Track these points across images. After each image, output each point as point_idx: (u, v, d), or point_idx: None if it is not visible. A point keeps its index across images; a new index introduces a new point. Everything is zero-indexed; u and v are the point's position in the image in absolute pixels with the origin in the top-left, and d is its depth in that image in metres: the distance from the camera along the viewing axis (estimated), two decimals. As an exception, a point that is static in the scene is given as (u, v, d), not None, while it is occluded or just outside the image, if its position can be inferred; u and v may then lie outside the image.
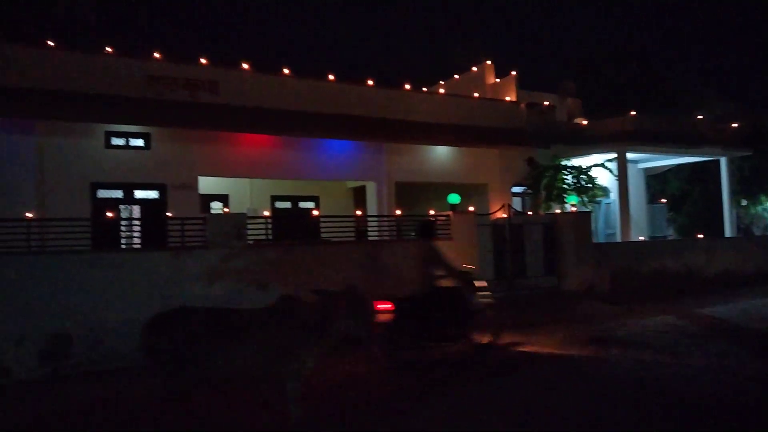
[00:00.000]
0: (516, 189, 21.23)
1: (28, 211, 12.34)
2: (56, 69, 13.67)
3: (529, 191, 21.47)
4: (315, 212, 17.23)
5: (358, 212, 17.13)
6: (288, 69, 16.89)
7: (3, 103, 12.83)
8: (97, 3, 27.48)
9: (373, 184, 18.43)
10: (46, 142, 13.73)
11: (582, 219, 16.65)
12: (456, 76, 24.92)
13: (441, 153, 19.54)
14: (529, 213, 19.69)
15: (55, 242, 11.27)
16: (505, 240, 15.82)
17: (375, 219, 16.00)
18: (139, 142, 14.74)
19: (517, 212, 17.61)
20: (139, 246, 13.16)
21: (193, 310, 6.81)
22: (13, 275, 10.37)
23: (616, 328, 12.52)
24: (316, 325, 6.65)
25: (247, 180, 17.74)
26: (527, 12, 56.99)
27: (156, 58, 14.99)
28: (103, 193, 14.42)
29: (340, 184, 19.52)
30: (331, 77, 17.52)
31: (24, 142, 13.51)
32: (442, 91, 23.18)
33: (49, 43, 13.92)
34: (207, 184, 16.26)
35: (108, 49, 14.56)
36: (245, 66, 16.15)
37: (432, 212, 15.89)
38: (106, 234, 12.94)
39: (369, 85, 18.23)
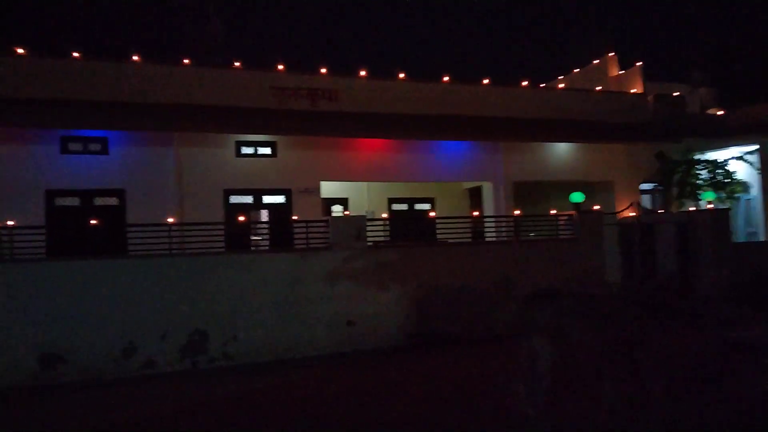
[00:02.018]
0: (645, 186, 20.00)
1: (170, 217, 13.42)
2: (191, 84, 14.79)
3: (660, 188, 20.13)
4: (431, 214, 17.27)
5: (475, 213, 16.94)
6: (402, 73, 17.10)
7: (145, 118, 14.08)
8: (225, 21, 29.38)
9: (489, 184, 18.16)
10: (183, 153, 14.88)
11: (720, 217, 15.34)
12: (576, 70, 23.97)
13: (561, 150, 18.87)
14: (660, 211, 18.47)
15: (193, 245, 12.19)
16: (634, 240, 14.95)
17: (492, 220, 15.76)
18: (267, 150, 15.57)
19: (646, 211, 16.59)
20: (267, 248, 13.87)
21: (558, 292, 8.55)
22: (157, 275, 11.34)
23: None
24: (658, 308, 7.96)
25: (364, 183, 18.15)
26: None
27: (280, 70, 15.77)
28: (234, 199, 15.39)
29: (455, 185, 19.43)
30: (445, 78, 17.51)
31: (164, 153, 14.72)
32: (561, 86, 22.39)
33: (185, 61, 15.08)
34: (328, 188, 16.84)
35: (236, 63, 15.52)
36: (362, 73, 16.54)
37: (554, 212, 15.38)
38: (238, 237, 13.77)
39: (484, 84, 18.01)
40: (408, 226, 16.66)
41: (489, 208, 18.08)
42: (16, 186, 13.46)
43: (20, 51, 13.64)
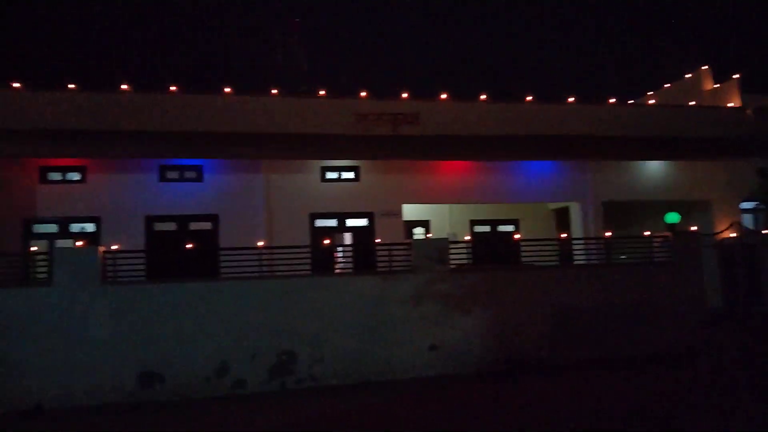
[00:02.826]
0: (746, 205, 18.76)
1: (259, 240, 13.90)
2: (278, 113, 15.38)
3: (762, 207, 18.82)
4: (516, 236, 16.94)
5: (563, 235, 16.47)
6: (484, 94, 17.03)
7: (236, 146, 14.75)
8: (309, 52, 30.40)
9: (577, 205, 17.64)
10: (271, 179, 15.46)
11: (835, 237, 14.13)
12: (666, 85, 22.99)
13: (654, 168, 18.07)
14: (765, 231, 17.23)
15: (281, 267, 12.54)
16: (736, 262, 14.00)
17: (581, 242, 15.25)
18: (350, 175, 15.91)
19: (748, 231, 15.53)
20: (351, 270, 14.08)
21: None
22: (247, 297, 11.73)
23: None
24: None
25: (446, 205, 18.11)
26: (745, 8, 50.76)
27: (362, 97, 16.11)
28: (320, 222, 15.80)
29: (540, 206, 19.00)
30: (529, 98, 17.27)
31: (254, 179, 15.36)
32: (651, 102, 21.53)
33: (273, 91, 15.72)
34: (410, 211, 16.93)
35: (321, 92, 16.02)
36: (443, 96, 16.62)
37: (647, 233, 14.69)
38: (324, 259, 14.06)
39: (569, 103, 17.60)
40: (491, 249, 16.43)
41: (577, 229, 17.54)
42: (120, 212, 14.41)
43: (124, 87, 14.69)
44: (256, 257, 12.41)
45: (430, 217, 18.28)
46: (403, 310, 12.15)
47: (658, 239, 13.74)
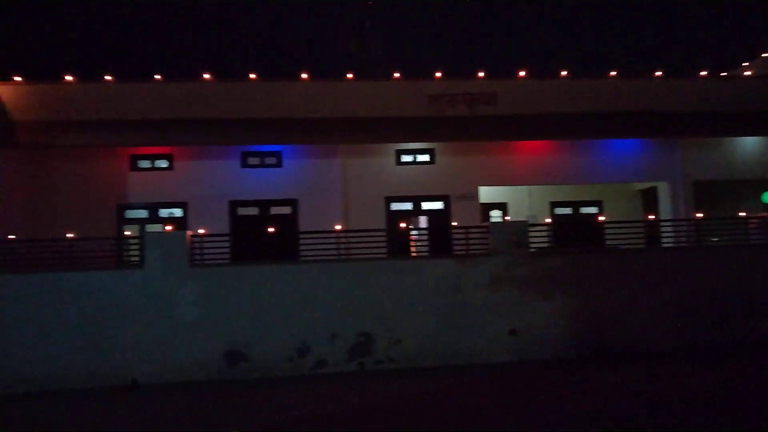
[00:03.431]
0: None
1: (337, 224, 14.10)
2: (354, 98, 15.45)
3: None
4: (600, 218, 16.32)
5: (650, 216, 15.73)
6: (564, 70, 16.40)
7: (314, 132, 14.97)
8: (382, 34, 30.36)
9: (665, 185, 16.76)
10: (348, 163, 15.61)
11: None
12: (764, 55, 21.33)
13: (749, 145, 16.88)
14: None
15: (358, 250, 12.69)
16: None
17: (670, 224, 14.50)
18: (425, 158, 15.81)
19: None
20: (427, 254, 14.04)
21: None
22: (326, 279, 11.95)
23: None
24: None
25: (525, 187, 17.67)
26: None
27: (437, 78, 15.90)
28: (395, 206, 15.82)
29: (626, 187, 18.19)
30: (612, 73, 16.49)
31: (331, 164, 15.57)
32: (747, 73, 20.05)
33: (348, 76, 15.80)
34: (487, 193, 16.64)
35: (395, 75, 15.93)
36: (521, 74, 16.14)
37: (742, 214, 13.78)
38: (399, 242, 14.09)
39: (657, 77, 16.65)
40: (573, 231, 15.91)
41: (665, 210, 16.69)
42: (205, 198, 14.99)
43: (206, 76, 15.18)
44: (333, 240, 12.61)
45: (508, 199, 17.90)
46: (481, 294, 12.01)
47: (755, 220, 12.85)
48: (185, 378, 11.34)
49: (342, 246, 12.71)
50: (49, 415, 9.41)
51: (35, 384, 11.10)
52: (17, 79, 14.53)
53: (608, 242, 13.60)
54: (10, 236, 12.54)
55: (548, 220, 15.59)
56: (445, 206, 15.92)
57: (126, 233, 14.33)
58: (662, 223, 14.56)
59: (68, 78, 14.71)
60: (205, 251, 12.29)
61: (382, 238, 13.20)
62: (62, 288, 11.40)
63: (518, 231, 12.33)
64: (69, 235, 12.21)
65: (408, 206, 15.96)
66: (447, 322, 11.94)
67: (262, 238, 13.82)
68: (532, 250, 12.50)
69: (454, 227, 13.84)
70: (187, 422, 8.67)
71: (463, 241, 12.77)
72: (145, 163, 15.12)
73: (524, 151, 16.26)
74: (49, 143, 14.24)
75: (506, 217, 17.04)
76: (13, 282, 11.39)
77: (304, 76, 15.49)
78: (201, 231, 12.64)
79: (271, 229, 13.59)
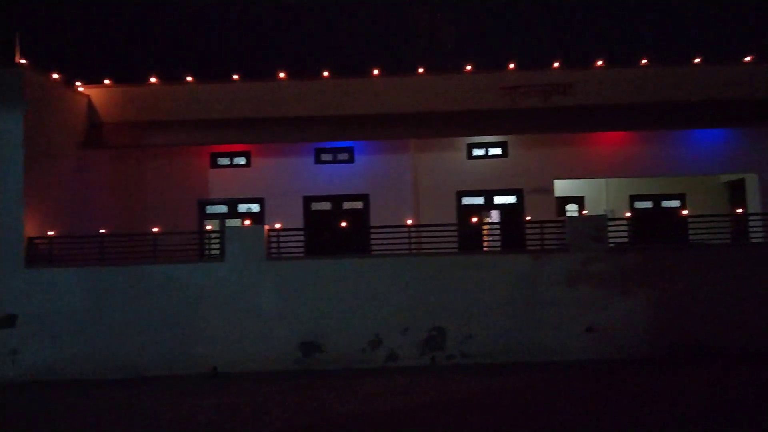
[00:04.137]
0: None
1: (407, 218, 14.15)
2: (425, 92, 15.43)
3: None
4: (683, 212, 15.60)
5: (738, 210, 14.89)
6: (645, 58, 15.73)
7: (385, 127, 15.06)
8: (456, 28, 30.09)
9: (753, 176, 15.78)
10: (419, 158, 15.61)
11: None
12: None
13: None
14: None
15: (429, 245, 12.69)
16: None
17: (759, 217, 13.66)
18: (497, 151, 15.56)
19: None
20: (499, 249, 13.86)
21: None
22: (397, 273, 12.01)
23: None
24: None
25: (603, 180, 17.09)
26: None
27: (509, 69, 15.63)
28: (466, 200, 15.68)
29: (710, 179, 17.26)
30: (696, 60, 15.67)
31: (402, 159, 15.60)
32: None
33: (419, 70, 15.77)
34: (562, 187, 16.22)
35: (467, 67, 15.77)
36: (598, 63, 15.61)
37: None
38: (471, 237, 13.98)
39: (745, 63, 15.68)
40: (654, 226, 15.27)
41: (753, 203, 15.74)
42: (281, 193, 15.38)
43: (281, 75, 15.57)
44: (404, 235, 12.68)
45: (585, 192, 17.36)
46: (557, 290, 11.77)
47: None
48: (263, 367, 11.74)
49: (413, 240, 12.76)
50: (135, 400, 9.97)
51: (125, 371, 11.79)
52: (107, 82, 15.40)
53: (692, 237, 12.98)
54: (101, 230, 13.33)
55: (627, 215, 15.06)
56: (518, 200, 15.63)
57: (207, 227, 14.92)
58: (750, 217, 13.74)
59: (152, 80, 15.46)
60: (282, 245, 12.65)
61: (454, 233, 13.15)
62: (149, 280, 12.05)
63: (596, 226, 11.99)
64: (155, 230, 12.86)
65: (480, 200, 15.78)
66: (520, 318, 11.77)
67: (334, 232, 14.07)
68: (611, 245, 12.12)
69: (528, 222, 13.60)
70: (264, 410, 8.97)
71: (538, 236, 12.54)
72: (224, 161, 15.68)
73: (602, 142, 15.73)
74: (135, 143, 15.02)
75: (583, 212, 16.55)
76: (104, 274, 12.14)
77: (375, 72, 15.61)
78: (277, 225, 13.02)
79: (343, 224, 13.80)
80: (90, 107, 15.17)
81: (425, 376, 10.81)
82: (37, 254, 12.38)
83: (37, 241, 12.43)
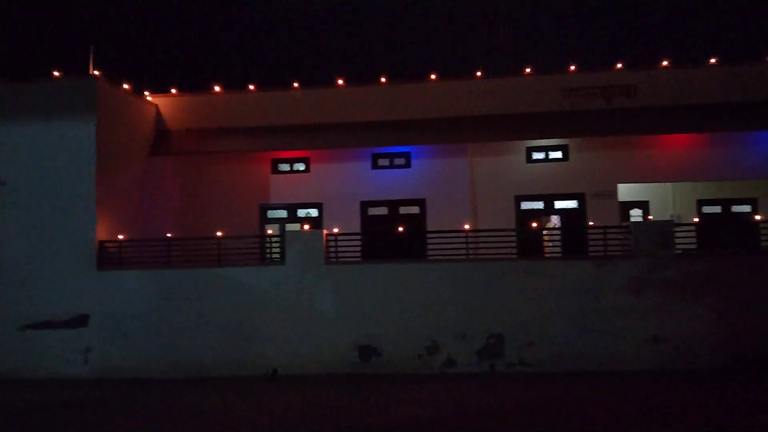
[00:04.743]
0: None
1: (465, 223, 14.03)
2: (481, 96, 15.28)
3: None
4: (756, 217, 14.87)
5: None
6: (713, 58, 15.10)
7: (442, 131, 15.01)
8: (512, 30, 29.75)
9: (834, 180, 14.92)
10: (476, 162, 15.47)
11: None
12: None
13: None
14: None
15: (487, 250, 12.55)
16: None
17: (843, 223, 12.87)
18: (558, 155, 15.26)
19: None
20: (560, 255, 13.57)
21: None
22: (454, 279, 11.95)
23: None
24: None
25: (668, 184, 16.49)
26: None
27: (570, 71, 15.30)
28: (526, 205, 15.42)
29: (786, 183, 16.39)
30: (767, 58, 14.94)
31: (459, 163, 15.50)
32: None
33: (477, 73, 15.64)
34: (625, 191, 15.75)
35: (526, 70, 15.54)
36: (663, 63, 15.10)
37: None
38: (530, 243, 13.75)
39: (826, 59, 14.83)
40: (723, 232, 14.63)
41: (837, 208, 14.86)
42: (338, 198, 15.57)
43: (339, 82, 15.77)
44: (462, 240, 12.59)
45: (650, 197, 16.79)
46: (621, 298, 11.44)
47: None
48: (321, 370, 11.88)
49: (470, 246, 12.66)
50: (202, 399, 10.24)
51: (188, 370, 12.17)
52: (173, 91, 15.98)
53: (764, 244, 12.37)
54: (168, 234, 13.82)
55: (695, 220, 14.48)
56: (579, 205, 15.27)
57: (268, 232, 15.25)
58: (834, 223, 12.96)
59: (216, 89, 15.94)
60: (340, 249, 12.78)
61: (512, 238, 12.96)
62: (212, 282, 12.41)
63: (662, 231, 11.59)
64: (218, 234, 13.24)
65: (539, 205, 15.50)
66: (582, 326, 11.49)
67: (391, 237, 14.11)
68: (678, 251, 11.68)
69: (591, 227, 13.27)
70: (321, 412, 9.06)
71: (601, 242, 12.22)
72: (284, 167, 15.99)
73: (667, 145, 15.19)
74: (200, 150, 15.51)
75: (648, 217, 16.02)
76: (171, 276, 12.58)
77: (432, 76, 15.59)
78: (335, 230, 13.16)
79: (400, 229, 13.83)
80: (158, 116, 15.78)
81: (483, 383, 10.68)
82: (108, 257, 12.95)
83: (107, 244, 13.00)
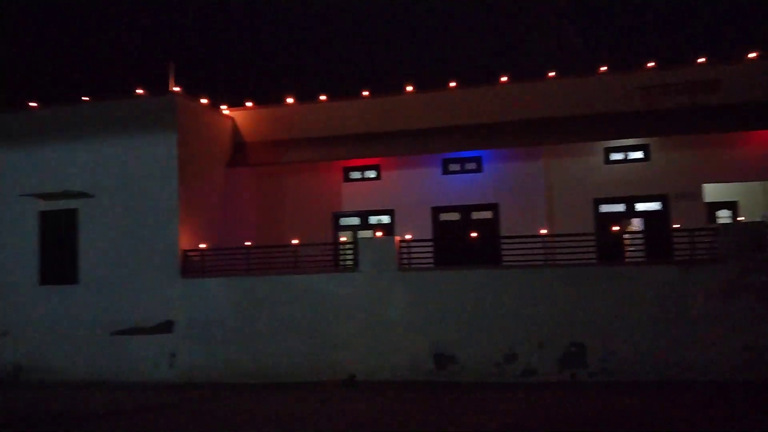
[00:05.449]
0: None
1: (539, 228, 13.70)
2: (556, 96, 14.91)
3: None
4: None
5: None
6: (807, 48, 14.13)
7: (515, 134, 14.73)
8: (582, 29, 28.93)
9: None
10: (551, 165, 15.08)
11: None
12: None
13: None
14: None
15: (564, 256, 12.19)
16: None
17: None
18: (638, 155, 14.65)
19: None
20: (642, 259, 13.01)
21: None
22: (531, 285, 11.68)
23: None
24: None
25: (759, 183, 15.51)
26: None
27: (648, 68, 14.69)
28: (604, 208, 14.87)
29: None
30: None
31: (533, 166, 15.16)
32: None
33: (550, 74, 15.26)
34: (711, 191, 14.93)
35: (601, 68, 15.03)
36: (750, 56, 14.24)
37: None
38: (611, 247, 13.26)
39: None
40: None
41: None
42: (409, 204, 15.57)
43: (409, 89, 15.78)
44: (538, 245, 12.29)
45: (739, 197, 15.83)
46: (709, 304, 10.85)
47: None
48: (397, 377, 11.87)
49: (547, 251, 12.33)
50: (283, 404, 10.45)
51: (266, 376, 12.46)
52: (249, 104, 16.49)
53: None
54: (246, 243, 14.24)
55: (791, 221, 13.54)
56: (662, 207, 14.59)
57: (341, 239, 15.43)
58: None
59: (289, 100, 16.32)
60: (412, 255, 12.76)
61: (591, 243, 12.55)
62: (289, 289, 12.68)
63: (754, 233, 10.92)
64: (294, 242, 13.51)
65: (619, 208, 14.92)
66: (668, 333, 10.97)
67: (463, 242, 13.96)
68: (772, 254, 10.96)
69: (676, 230, 12.66)
70: (398, 419, 9.03)
71: (687, 245, 11.63)
72: (356, 174, 16.16)
73: (756, 142, 14.29)
74: (275, 160, 15.90)
75: (738, 218, 15.12)
76: (249, 283, 12.94)
77: (503, 79, 15.36)
78: (408, 236, 13.16)
79: (473, 234, 13.66)
80: (234, 128, 16.32)
81: (565, 393, 10.35)
82: (191, 265, 13.47)
83: (190, 253, 13.53)
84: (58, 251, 13.99)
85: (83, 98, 14.56)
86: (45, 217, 14.17)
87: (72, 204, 13.99)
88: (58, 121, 14.41)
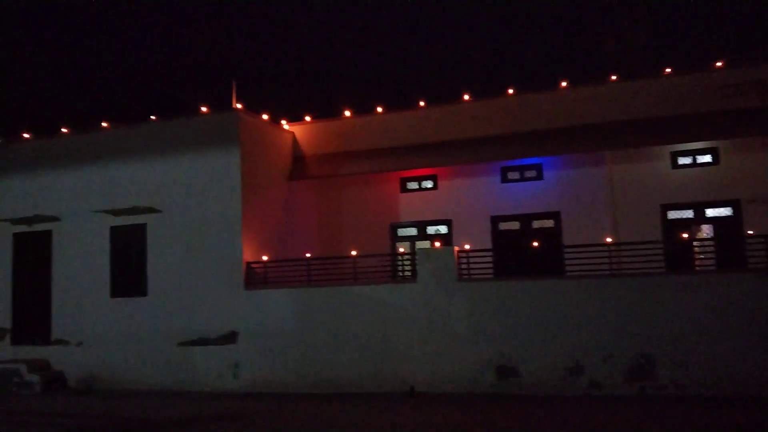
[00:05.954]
0: None
1: (604, 236, 13.29)
2: (619, 100, 14.47)
3: None
4: None
5: None
6: None
7: (576, 140, 14.37)
8: (648, 30, 28.07)
9: None
10: (615, 170, 14.60)
11: None
12: None
13: None
14: None
15: (630, 265, 11.77)
16: None
17: None
18: (707, 158, 14.00)
19: None
20: (713, 267, 12.40)
21: None
22: (596, 296, 11.32)
23: None
24: None
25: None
26: None
27: (716, 67, 14.07)
28: (673, 214, 14.27)
29: None
30: None
31: (596, 172, 14.71)
32: None
33: (612, 77, 14.85)
34: (789, 195, 14.11)
35: (666, 70, 14.51)
36: (830, 50, 13.46)
37: None
38: (680, 255, 12.72)
39: None
40: None
41: None
42: (468, 214, 15.37)
43: (465, 97, 15.69)
44: (602, 254, 11.93)
45: (819, 200, 14.93)
46: (792, 313, 10.20)
47: None
48: (458, 389, 11.73)
49: (612, 260, 11.94)
50: (343, 414, 10.48)
51: (327, 386, 12.56)
52: (307, 119, 16.80)
53: None
54: (307, 254, 14.45)
55: None
56: (734, 212, 13.87)
57: (399, 250, 15.42)
58: None
59: (347, 113, 16.52)
60: (472, 266, 12.61)
61: (659, 251, 12.07)
62: (348, 300, 12.76)
63: (839, 239, 10.22)
64: (352, 253, 13.61)
65: (688, 214, 14.28)
66: (745, 344, 10.40)
67: (524, 252, 13.70)
68: None
69: (749, 236, 12.01)
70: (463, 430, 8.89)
71: (762, 253, 11.02)
72: (413, 185, 16.14)
73: (840, 141, 13.44)
74: (333, 173, 16.11)
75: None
76: (310, 294, 13.11)
77: (562, 84, 15.05)
78: (467, 246, 13.02)
79: (534, 243, 13.38)
80: (294, 142, 16.65)
81: (632, 407, 9.95)
82: (254, 277, 13.78)
83: (253, 265, 13.84)
84: (128, 265, 14.60)
85: (151, 117, 15.21)
86: (116, 232, 14.82)
87: (141, 219, 14.59)
88: (127, 140, 15.10)
